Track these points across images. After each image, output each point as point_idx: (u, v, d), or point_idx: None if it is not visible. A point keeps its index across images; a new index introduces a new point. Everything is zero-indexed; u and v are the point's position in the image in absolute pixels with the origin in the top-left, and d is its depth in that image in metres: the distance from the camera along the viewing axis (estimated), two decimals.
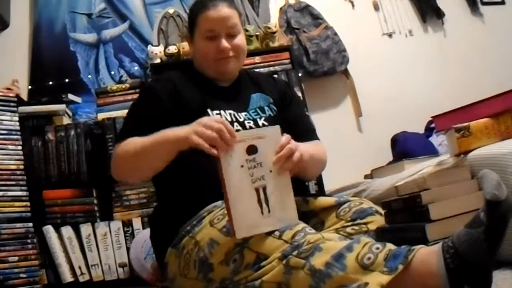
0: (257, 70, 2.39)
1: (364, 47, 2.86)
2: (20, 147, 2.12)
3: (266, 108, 1.51)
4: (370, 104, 2.81)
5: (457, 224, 0.96)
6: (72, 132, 2.27)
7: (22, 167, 2.10)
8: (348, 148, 2.69)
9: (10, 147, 2.10)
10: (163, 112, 1.37)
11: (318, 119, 2.32)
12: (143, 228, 2.16)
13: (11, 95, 2.18)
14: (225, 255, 1.12)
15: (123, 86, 2.45)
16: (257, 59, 2.48)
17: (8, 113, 2.14)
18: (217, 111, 1.41)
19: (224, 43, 1.45)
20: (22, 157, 2.11)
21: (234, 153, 1.11)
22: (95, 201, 2.24)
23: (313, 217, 1.36)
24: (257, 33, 2.61)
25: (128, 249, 2.14)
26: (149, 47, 2.58)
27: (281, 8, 2.84)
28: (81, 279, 2.11)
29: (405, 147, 2.30)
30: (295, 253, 1.03)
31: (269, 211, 1.11)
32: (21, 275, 1.99)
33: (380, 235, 1.20)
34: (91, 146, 2.28)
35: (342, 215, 1.30)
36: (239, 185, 1.10)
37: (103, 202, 2.25)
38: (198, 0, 1.52)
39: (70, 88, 2.62)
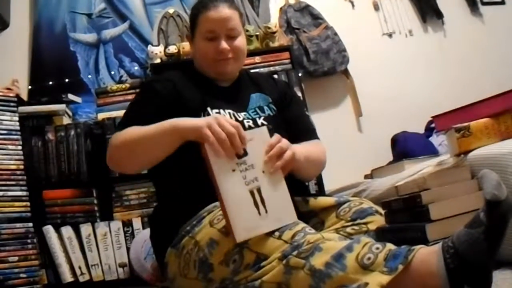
0: (257, 70, 2.40)
1: (364, 47, 2.86)
2: (20, 147, 2.12)
3: (265, 107, 1.51)
4: (370, 104, 2.81)
5: (457, 224, 0.96)
6: (72, 132, 2.27)
7: (22, 167, 2.10)
8: (348, 148, 2.69)
9: (10, 147, 2.10)
10: (163, 108, 1.37)
11: (318, 119, 2.32)
12: (143, 228, 2.16)
13: (11, 95, 2.18)
14: (225, 255, 1.12)
15: (123, 86, 2.46)
16: (257, 59, 2.48)
17: (8, 113, 2.14)
18: (217, 110, 1.41)
19: (224, 44, 1.44)
20: (22, 157, 2.11)
21: (225, 159, 1.11)
22: (95, 201, 2.24)
23: (313, 217, 1.36)
24: (257, 33, 2.61)
25: (128, 249, 2.14)
26: (149, 47, 2.58)
27: (281, 8, 2.84)
28: (81, 279, 2.11)
29: (405, 147, 2.30)
30: (295, 253, 1.02)
31: (266, 211, 1.11)
32: (21, 275, 1.99)
33: (380, 235, 1.20)
34: (91, 146, 2.28)
35: (342, 215, 1.30)
36: (233, 189, 1.10)
37: (103, 202, 2.25)
38: (199, 0, 1.52)
39: (70, 88, 2.63)
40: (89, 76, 2.72)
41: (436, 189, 1.12)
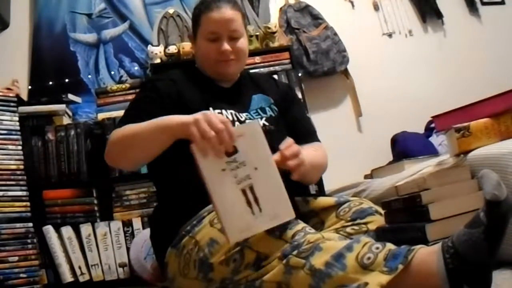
0: (257, 70, 2.40)
1: (364, 47, 2.86)
2: (20, 147, 2.12)
3: (267, 108, 1.51)
4: (370, 104, 2.81)
5: (457, 224, 0.96)
6: (72, 132, 2.27)
7: (22, 167, 2.10)
8: (348, 148, 2.69)
9: (10, 147, 2.10)
10: (164, 106, 1.36)
11: (318, 119, 2.33)
12: (143, 228, 2.16)
13: (11, 95, 2.18)
14: (225, 255, 1.12)
15: (123, 86, 2.46)
16: (257, 59, 2.48)
17: (8, 113, 2.14)
18: (219, 111, 1.40)
19: (225, 45, 1.44)
20: (22, 157, 2.12)
21: (213, 158, 1.05)
22: (95, 201, 2.24)
23: (313, 217, 1.36)
24: (257, 33, 2.61)
25: (128, 249, 2.14)
26: (149, 47, 2.58)
27: (281, 8, 2.84)
28: (81, 279, 2.12)
29: (405, 147, 2.30)
30: (295, 252, 1.03)
31: (260, 210, 1.06)
32: (21, 275, 1.99)
33: (380, 235, 1.20)
34: (91, 146, 2.28)
35: (342, 215, 1.30)
36: (224, 190, 1.04)
37: (103, 202, 2.25)
38: (202, 0, 1.51)
39: (70, 88, 2.63)
40: (89, 76, 2.72)
41: (436, 189, 1.12)
